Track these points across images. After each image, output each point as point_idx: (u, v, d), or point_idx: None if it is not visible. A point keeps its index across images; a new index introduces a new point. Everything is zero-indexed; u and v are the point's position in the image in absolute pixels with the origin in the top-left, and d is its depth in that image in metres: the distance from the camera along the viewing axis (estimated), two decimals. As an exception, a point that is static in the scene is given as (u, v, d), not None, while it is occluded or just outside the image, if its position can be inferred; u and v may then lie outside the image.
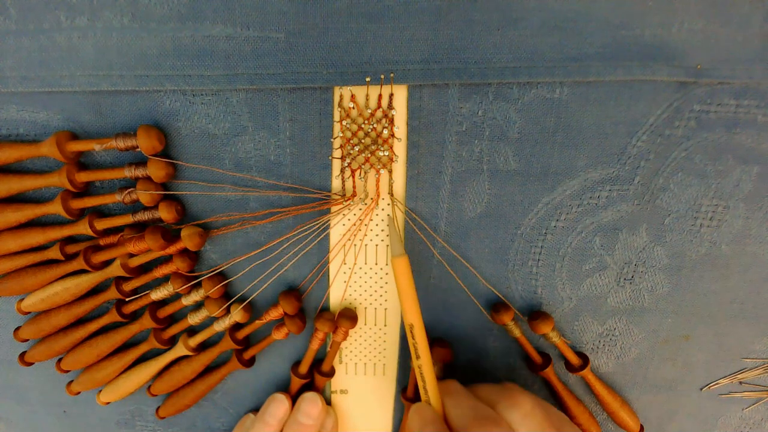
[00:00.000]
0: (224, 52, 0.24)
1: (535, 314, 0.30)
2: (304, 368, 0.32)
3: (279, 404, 0.32)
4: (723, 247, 0.28)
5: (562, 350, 0.30)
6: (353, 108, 0.26)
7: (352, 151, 0.27)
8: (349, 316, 0.30)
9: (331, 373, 0.32)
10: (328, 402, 0.34)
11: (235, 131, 0.26)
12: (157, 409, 0.34)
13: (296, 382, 0.32)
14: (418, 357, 0.27)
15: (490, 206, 0.28)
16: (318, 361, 0.32)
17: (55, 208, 0.27)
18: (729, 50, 0.24)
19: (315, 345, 0.30)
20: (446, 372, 0.33)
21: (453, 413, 0.25)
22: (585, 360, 0.31)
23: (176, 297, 0.30)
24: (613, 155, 0.26)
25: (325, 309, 0.31)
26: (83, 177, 0.26)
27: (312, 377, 0.32)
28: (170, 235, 0.27)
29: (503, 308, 0.30)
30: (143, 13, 0.24)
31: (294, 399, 0.33)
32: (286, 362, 0.33)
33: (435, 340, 0.31)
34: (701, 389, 0.33)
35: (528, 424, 0.23)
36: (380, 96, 0.25)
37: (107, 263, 0.29)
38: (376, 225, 0.29)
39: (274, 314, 0.30)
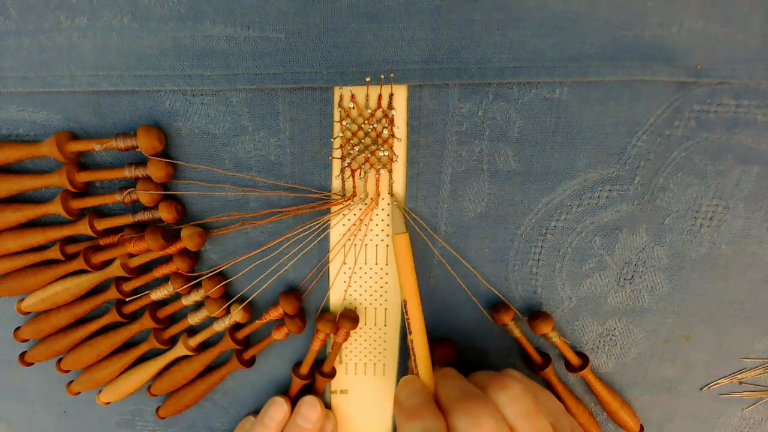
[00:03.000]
0: (224, 52, 0.24)
1: (535, 314, 0.30)
2: (305, 369, 0.32)
3: (278, 408, 0.31)
4: (723, 247, 0.28)
5: (562, 350, 0.30)
6: (353, 108, 0.26)
7: (352, 151, 0.27)
8: (350, 317, 0.30)
9: (332, 373, 0.32)
10: (328, 403, 0.34)
11: (235, 131, 0.26)
12: (157, 409, 0.34)
13: (297, 383, 0.32)
14: (410, 332, 0.27)
15: (490, 206, 0.28)
16: (319, 362, 0.32)
17: (55, 208, 0.27)
18: (729, 50, 0.24)
19: (316, 346, 0.30)
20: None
21: (442, 392, 0.25)
22: (585, 360, 0.31)
23: (176, 297, 0.30)
24: (613, 155, 0.26)
25: (326, 309, 0.31)
26: (83, 177, 0.26)
27: (313, 378, 0.32)
28: (170, 235, 0.27)
29: (503, 308, 0.30)
30: (143, 13, 0.24)
31: (294, 400, 0.33)
32: (286, 362, 0.33)
33: (437, 340, 0.31)
34: (701, 389, 0.33)
35: (515, 407, 0.23)
36: (380, 96, 0.25)
37: (107, 263, 0.29)
38: (376, 225, 0.29)
39: (274, 314, 0.30)
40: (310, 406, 0.31)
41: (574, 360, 0.31)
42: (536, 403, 0.24)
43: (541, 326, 0.29)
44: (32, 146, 0.26)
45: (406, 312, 0.27)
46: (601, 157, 0.27)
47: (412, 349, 0.27)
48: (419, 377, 0.27)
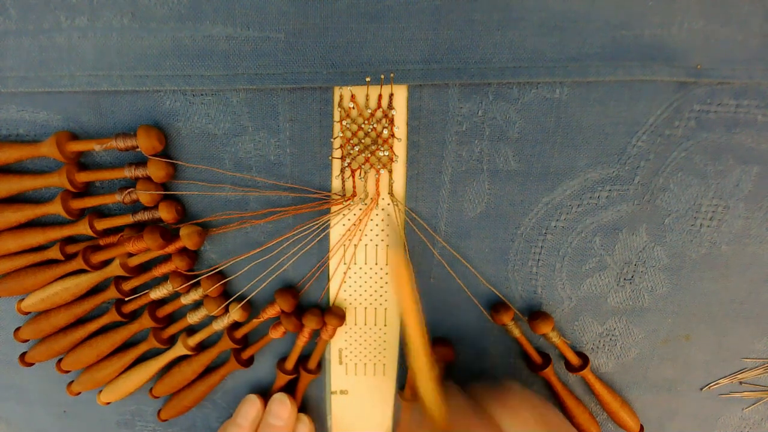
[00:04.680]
0: (224, 52, 0.24)
1: (535, 314, 0.30)
2: (289, 364, 0.32)
3: (251, 405, 0.31)
4: (723, 247, 0.28)
5: (561, 350, 0.30)
6: (353, 108, 0.26)
7: (352, 151, 0.27)
8: (337, 313, 0.30)
9: (316, 370, 0.32)
10: (327, 403, 0.34)
11: (235, 131, 0.26)
12: (159, 412, 0.34)
13: (281, 378, 0.32)
14: (412, 358, 0.26)
15: (490, 206, 0.28)
16: (307, 358, 0.32)
17: (55, 209, 0.27)
18: (729, 50, 0.24)
19: (301, 341, 0.30)
20: (447, 371, 0.33)
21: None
22: (585, 360, 0.31)
23: (175, 296, 0.30)
24: (613, 155, 0.26)
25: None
26: (83, 177, 0.26)
27: (298, 374, 0.32)
28: (169, 234, 0.27)
29: (503, 308, 0.30)
30: (143, 13, 0.24)
31: None
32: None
33: (436, 340, 0.32)
34: (701, 389, 0.33)
35: (517, 426, 0.23)
36: (380, 96, 0.25)
37: (106, 263, 0.29)
38: (376, 225, 0.29)
39: (271, 312, 0.30)
40: (280, 403, 0.31)
41: (574, 360, 0.31)
42: (538, 418, 0.24)
43: (541, 326, 0.29)
44: (32, 146, 0.26)
45: (406, 335, 0.25)
46: (601, 157, 0.27)
47: (414, 373, 0.26)
48: (426, 407, 0.26)
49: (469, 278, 0.30)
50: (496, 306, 0.30)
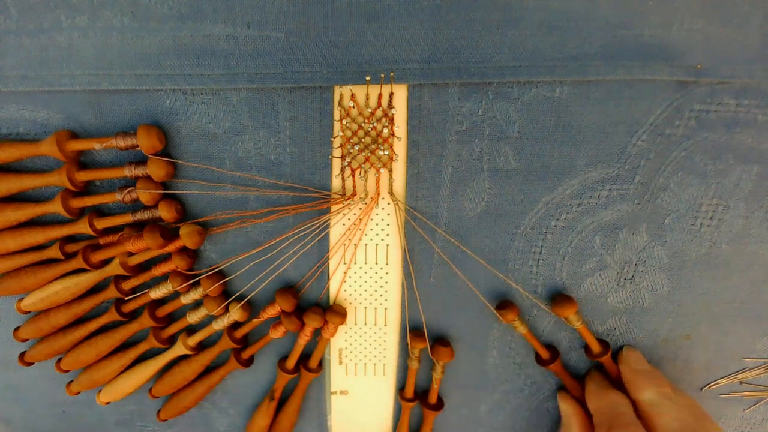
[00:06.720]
0: (224, 51, 0.24)
1: (558, 297, 0.29)
2: (290, 363, 0.32)
3: None
4: (723, 247, 0.28)
5: (583, 335, 0.30)
6: (353, 107, 0.26)
7: (352, 150, 0.27)
8: (338, 312, 0.30)
9: (318, 369, 0.32)
10: (327, 403, 0.34)
11: (235, 130, 0.26)
12: (158, 412, 0.34)
13: (283, 378, 0.32)
14: None
15: (490, 205, 0.28)
16: (308, 357, 0.32)
17: (55, 208, 0.27)
18: (729, 50, 0.24)
19: (302, 340, 0.30)
20: (447, 371, 0.33)
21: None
22: (606, 346, 0.31)
23: (175, 296, 0.30)
24: (614, 154, 0.26)
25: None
26: (83, 176, 0.26)
27: (299, 373, 0.32)
28: (169, 233, 0.27)
29: (509, 306, 0.30)
30: (143, 12, 0.24)
31: (281, 401, 0.32)
32: (285, 362, 0.33)
33: (436, 340, 0.31)
34: (701, 389, 0.33)
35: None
36: (380, 95, 0.25)
37: (106, 262, 0.29)
38: (377, 224, 0.29)
39: (272, 312, 0.29)
40: None
41: (596, 346, 0.30)
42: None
43: (564, 309, 0.28)
44: (32, 145, 0.26)
45: None
46: (602, 156, 0.26)
47: None
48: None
49: (470, 277, 0.30)
50: (501, 304, 0.30)
